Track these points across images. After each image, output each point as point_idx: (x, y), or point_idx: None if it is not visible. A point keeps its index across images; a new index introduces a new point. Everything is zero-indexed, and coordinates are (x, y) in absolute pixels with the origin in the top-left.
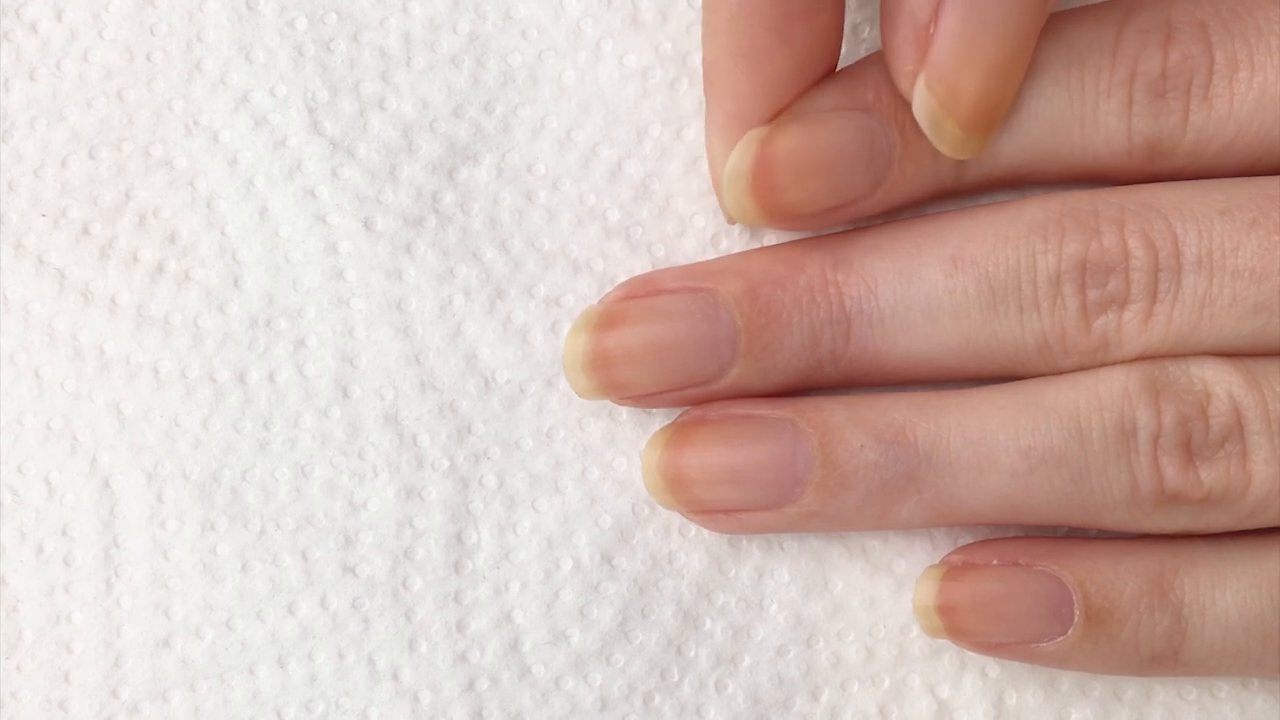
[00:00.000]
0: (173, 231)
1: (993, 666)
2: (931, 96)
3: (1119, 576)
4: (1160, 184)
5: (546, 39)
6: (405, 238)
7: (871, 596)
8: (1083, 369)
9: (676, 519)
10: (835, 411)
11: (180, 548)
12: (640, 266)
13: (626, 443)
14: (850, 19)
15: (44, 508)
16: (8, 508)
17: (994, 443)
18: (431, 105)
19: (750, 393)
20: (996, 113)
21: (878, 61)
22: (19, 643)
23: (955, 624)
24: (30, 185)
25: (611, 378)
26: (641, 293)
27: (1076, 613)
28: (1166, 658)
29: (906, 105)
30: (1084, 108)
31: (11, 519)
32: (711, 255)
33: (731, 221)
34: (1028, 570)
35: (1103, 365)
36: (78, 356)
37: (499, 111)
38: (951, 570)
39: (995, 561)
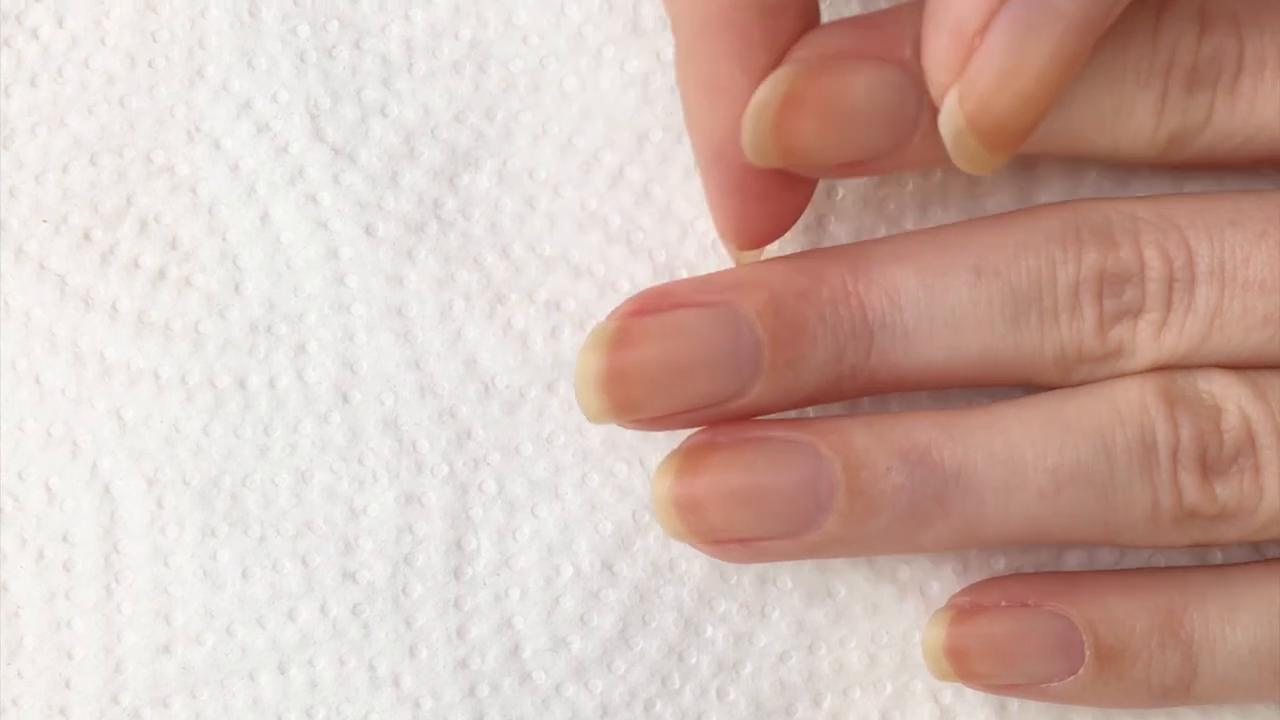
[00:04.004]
0: (174, 237)
1: None
2: (961, 111)
3: (1129, 614)
4: (1170, 195)
5: (548, 45)
6: (406, 243)
7: (874, 603)
8: (1093, 379)
9: None
10: (857, 432)
11: (180, 554)
12: (641, 271)
13: (627, 449)
14: None
15: (44, 514)
16: (8, 514)
17: (1021, 462)
18: (433, 111)
19: (767, 412)
20: (1022, 137)
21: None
22: (20, 649)
23: (965, 668)
24: (31, 191)
25: (627, 399)
26: (655, 306)
27: (1087, 653)
28: (1178, 693)
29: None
30: (1122, 96)
31: (12, 525)
32: (713, 260)
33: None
34: (1037, 611)
35: (1113, 376)
36: (78, 362)
37: (500, 117)
38: (959, 613)
39: (1003, 602)
